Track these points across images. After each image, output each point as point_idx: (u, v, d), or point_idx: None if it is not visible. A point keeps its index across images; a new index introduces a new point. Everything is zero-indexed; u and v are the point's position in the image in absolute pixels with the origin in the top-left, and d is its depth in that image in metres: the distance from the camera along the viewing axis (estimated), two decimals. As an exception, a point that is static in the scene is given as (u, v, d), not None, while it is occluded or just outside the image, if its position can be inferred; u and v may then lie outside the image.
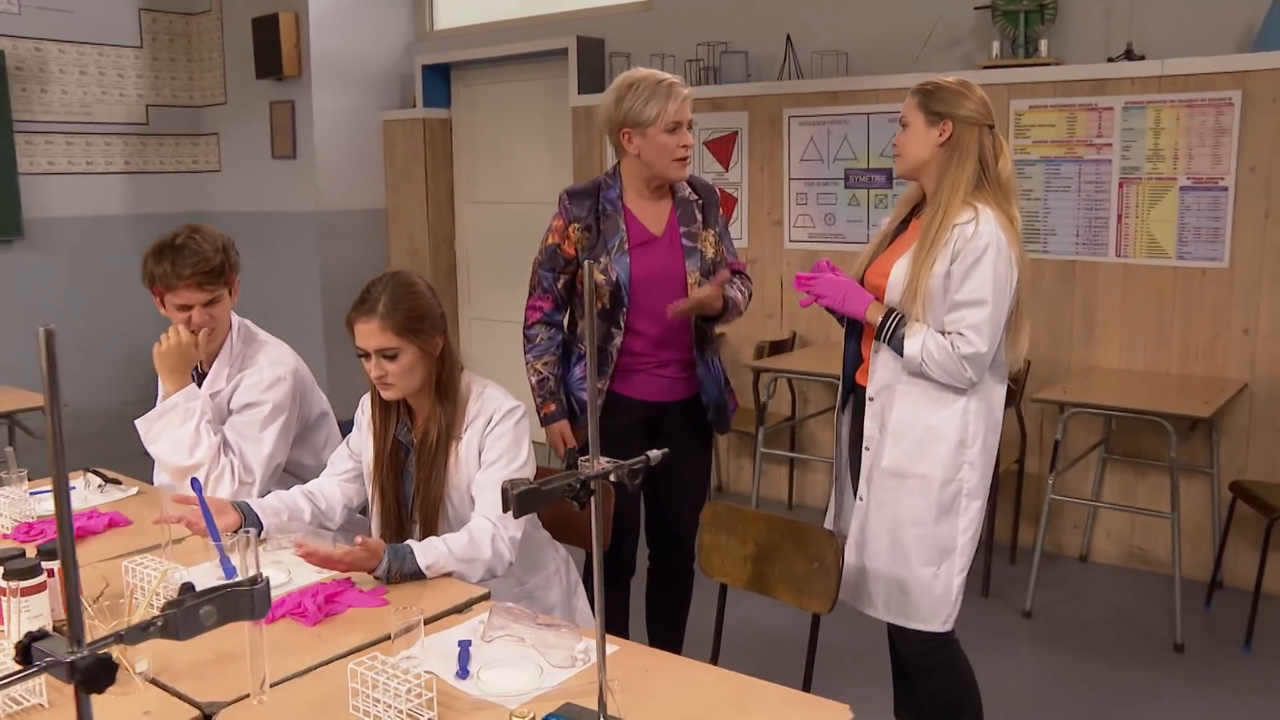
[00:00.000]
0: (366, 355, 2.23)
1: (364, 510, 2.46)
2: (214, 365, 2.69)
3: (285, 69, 6.29)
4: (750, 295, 3.00)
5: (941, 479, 2.44)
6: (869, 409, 2.53)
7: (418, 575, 2.04)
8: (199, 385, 2.68)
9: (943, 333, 2.37)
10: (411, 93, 6.72)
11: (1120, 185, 4.20)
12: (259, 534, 2.19)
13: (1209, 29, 4.13)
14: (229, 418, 2.65)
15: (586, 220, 2.76)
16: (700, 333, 2.90)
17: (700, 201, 2.90)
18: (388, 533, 2.31)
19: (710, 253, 2.89)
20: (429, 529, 2.26)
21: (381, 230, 6.85)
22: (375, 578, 2.04)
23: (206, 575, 2.09)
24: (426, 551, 2.06)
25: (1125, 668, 3.49)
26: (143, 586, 1.93)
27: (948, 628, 2.49)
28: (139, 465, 2.96)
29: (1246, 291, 4.00)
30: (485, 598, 2.02)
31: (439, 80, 6.71)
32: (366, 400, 2.43)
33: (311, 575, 2.07)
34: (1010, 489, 4.44)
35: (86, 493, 2.66)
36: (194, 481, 2.24)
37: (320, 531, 2.36)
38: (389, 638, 1.73)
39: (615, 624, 3.01)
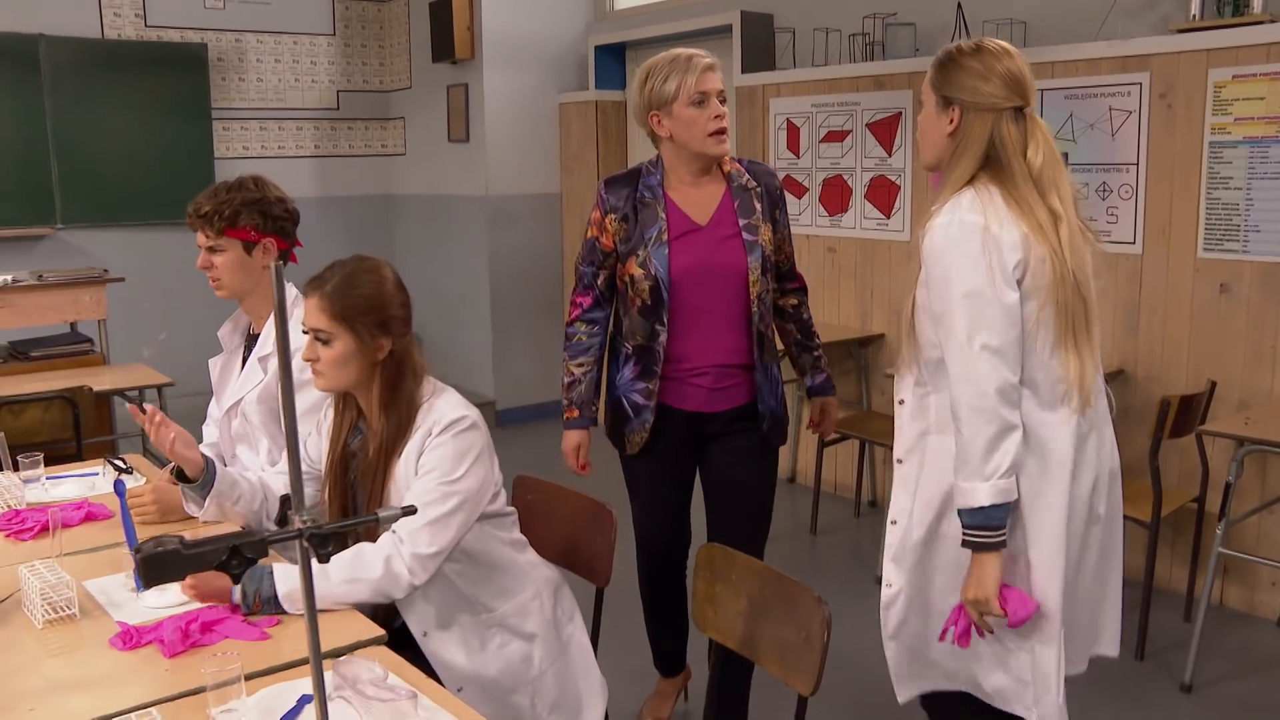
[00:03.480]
0: (308, 333, 2.05)
1: None
2: (263, 330, 2.58)
3: (458, 52, 6.28)
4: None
5: None
6: (897, 475, 2.09)
7: (279, 606, 1.83)
8: (248, 349, 2.58)
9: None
10: (586, 74, 6.57)
11: (1346, 172, 3.42)
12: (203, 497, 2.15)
13: None
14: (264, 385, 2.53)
15: (624, 210, 2.57)
16: (761, 338, 2.63)
17: (759, 189, 2.62)
18: (335, 548, 2.12)
19: (769, 249, 2.62)
20: None
21: (555, 214, 6.75)
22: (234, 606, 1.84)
23: (118, 586, 1.96)
24: (289, 575, 1.84)
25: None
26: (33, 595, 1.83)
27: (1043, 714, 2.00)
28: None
29: None
30: (380, 640, 1.78)
31: (614, 61, 6.52)
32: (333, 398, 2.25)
33: (221, 595, 1.91)
34: (1188, 532, 3.74)
35: (97, 480, 2.63)
36: (117, 484, 2.12)
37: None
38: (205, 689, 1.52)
39: (675, 665, 2.90)
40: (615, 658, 2.67)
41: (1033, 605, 1.94)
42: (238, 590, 1.82)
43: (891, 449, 2.16)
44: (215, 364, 2.66)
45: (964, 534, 1.93)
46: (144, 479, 2.63)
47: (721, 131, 2.50)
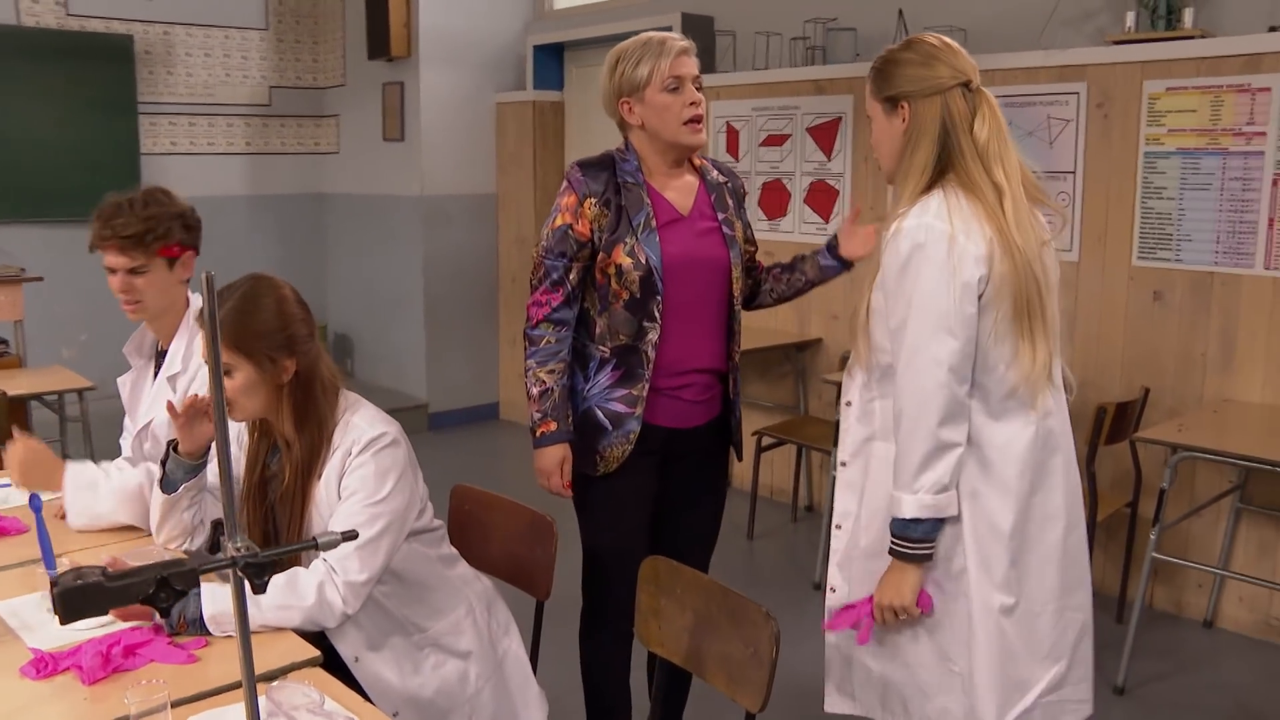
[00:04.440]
0: None
1: None
2: (171, 345, 2.45)
3: (394, 49, 6.16)
4: None
5: (935, 555, 1.94)
6: (840, 478, 2.06)
7: (205, 628, 1.75)
8: (158, 365, 2.47)
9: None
10: (524, 74, 6.49)
11: (1275, 183, 3.49)
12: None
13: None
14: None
15: (605, 195, 2.34)
16: (736, 339, 2.49)
17: (729, 184, 2.52)
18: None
19: (742, 246, 2.51)
20: None
21: (491, 216, 6.67)
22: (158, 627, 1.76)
23: (33, 608, 1.86)
24: (217, 596, 1.76)
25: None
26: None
27: None
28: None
29: None
30: (315, 662, 1.71)
31: (552, 61, 6.46)
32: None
33: (142, 617, 1.82)
34: (1120, 535, 3.80)
35: (9, 493, 2.49)
36: (33, 498, 2.01)
37: (161, 551, 2.08)
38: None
39: (610, 679, 2.65)
40: (555, 670, 2.61)
41: (927, 605, 1.95)
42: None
43: (829, 454, 2.14)
44: (124, 383, 2.55)
45: (891, 541, 1.92)
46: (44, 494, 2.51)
47: (697, 120, 2.33)
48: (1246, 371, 3.61)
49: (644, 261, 2.31)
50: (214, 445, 2.23)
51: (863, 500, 2.02)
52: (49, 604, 1.84)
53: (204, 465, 2.09)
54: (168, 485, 2.08)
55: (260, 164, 6.88)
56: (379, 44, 6.25)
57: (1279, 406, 3.54)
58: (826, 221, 4.89)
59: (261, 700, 1.45)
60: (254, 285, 1.97)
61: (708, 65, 5.51)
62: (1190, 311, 3.72)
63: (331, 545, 1.00)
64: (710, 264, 2.41)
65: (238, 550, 0.95)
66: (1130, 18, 3.79)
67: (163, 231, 2.33)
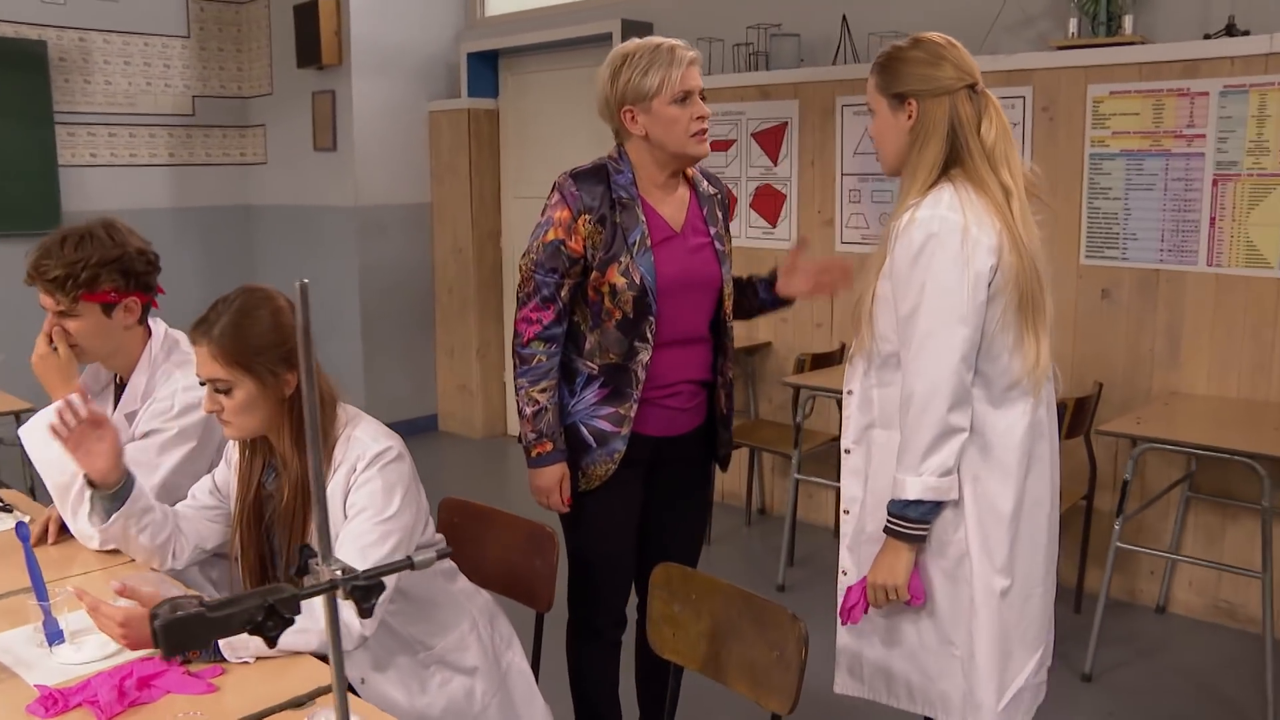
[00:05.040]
0: (205, 383, 1.88)
1: (223, 553, 2.12)
2: (131, 379, 2.34)
3: (325, 57, 6.03)
4: None
5: (936, 539, 1.98)
6: (845, 464, 2.09)
7: (219, 654, 1.68)
8: (116, 402, 2.37)
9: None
10: (458, 82, 6.42)
11: (1214, 183, 3.62)
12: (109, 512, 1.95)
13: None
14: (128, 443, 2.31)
15: (600, 211, 2.27)
16: (726, 351, 2.47)
17: (719, 196, 2.49)
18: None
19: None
20: None
21: (425, 225, 6.57)
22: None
23: (24, 642, 1.76)
24: None
25: (1199, 755, 2.96)
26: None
27: None
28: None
29: (1364, 309, 3.39)
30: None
31: (486, 69, 6.39)
32: None
33: (147, 646, 1.73)
34: (1076, 527, 3.89)
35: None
36: (19, 527, 1.91)
37: (160, 578, 1.99)
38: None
39: (602, 689, 2.62)
40: (558, 683, 2.58)
41: (920, 597, 1.99)
42: None
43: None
44: (29, 432, 2.35)
45: (887, 519, 1.95)
46: (27, 518, 2.38)
47: (704, 132, 2.29)
48: (1192, 365, 3.74)
49: (638, 282, 2.27)
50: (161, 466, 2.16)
51: (867, 486, 2.06)
52: (41, 637, 1.75)
53: (128, 491, 1.97)
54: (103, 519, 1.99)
55: (184, 175, 6.66)
56: (309, 52, 6.11)
57: (1223, 398, 3.67)
58: (773, 225, 4.92)
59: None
60: (248, 297, 1.90)
61: (647, 72, 5.51)
62: (1137, 308, 3.84)
63: (427, 564, 0.97)
64: (703, 281, 2.39)
65: (337, 573, 0.90)
66: (1073, 24, 3.90)
67: (86, 278, 2.16)
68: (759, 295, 2.54)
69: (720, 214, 2.47)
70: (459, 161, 6.38)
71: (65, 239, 2.19)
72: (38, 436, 2.20)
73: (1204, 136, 3.62)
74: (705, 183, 2.47)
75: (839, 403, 4.60)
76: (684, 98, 2.25)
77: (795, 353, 4.66)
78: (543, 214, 2.35)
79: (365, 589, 0.89)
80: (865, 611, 2.05)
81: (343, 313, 6.36)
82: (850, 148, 4.62)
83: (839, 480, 2.14)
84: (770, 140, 4.91)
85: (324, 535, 0.91)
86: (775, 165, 4.91)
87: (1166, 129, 3.69)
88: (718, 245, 2.42)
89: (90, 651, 1.71)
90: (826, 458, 4.69)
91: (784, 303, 2.53)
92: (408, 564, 0.96)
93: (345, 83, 6.13)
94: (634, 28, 5.47)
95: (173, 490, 2.20)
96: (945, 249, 1.85)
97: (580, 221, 2.27)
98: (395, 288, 6.40)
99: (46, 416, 2.20)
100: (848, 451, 2.09)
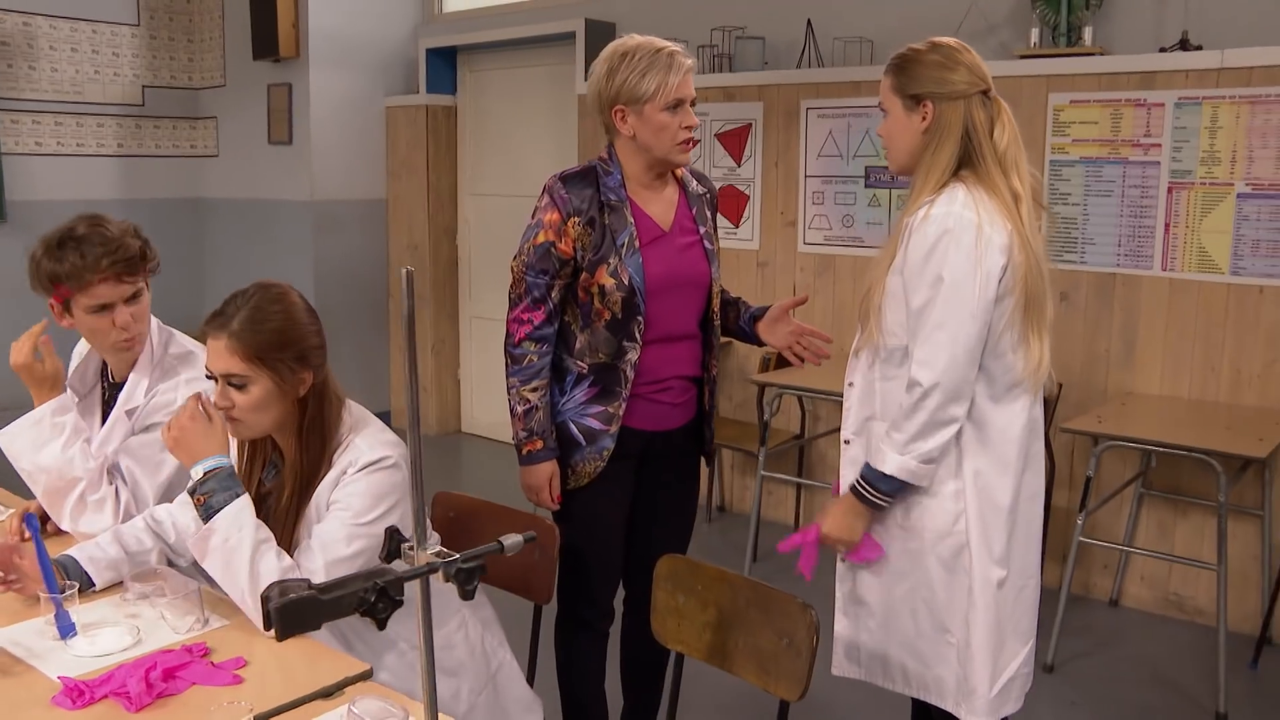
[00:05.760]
0: (214, 378, 1.86)
1: None
2: (131, 375, 2.29)
3: (282, 49, 5.96)
4: None
5: (934, 530, 2.05)
6: (845, 455, 2.15)
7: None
8: (114, 397, 2.32)
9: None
10: (416, 78, 6.38)
11: (1169, 190, 3.76)
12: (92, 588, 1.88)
13: (1277, 16, 3.67)
14: (128, 439, 2.28)
15: (589, 213, 2.31)
16: (714, 348, 2.52)
17: (707, 195, 2.53)
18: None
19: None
20: None
21: (381, 222, 6.53)
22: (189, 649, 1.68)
23: (34, 635, 1.74)
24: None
25: (1159, 740, 3.07)
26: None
27: (991, 708, 2.08)
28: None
29: (1310, 313, 3.55)
30: (366, 676, 1.66)
31: (445, 65, 6.37)
32: None
33: (164, 638, 1.73)
34: (1036, 524, 4.00)
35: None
36: (28, 518, 1.89)
37: (169, 572, 1.96)
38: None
39: (590, 680, 2.64)
40: (549, 674, 2.60)
41: (880, 551, 2.09)
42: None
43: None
44: None
45: (858, 480, 2.04)
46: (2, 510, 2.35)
47: (691, 141, 2.33)
48: (1146, 366, 3.88)
49: (627, 283, 2.31)
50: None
51: None
52: (54, 630, 1.73)
53: (87, 584, 1.91)
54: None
55: (133, 167, 6.53)
56: (266, 44, 6.03)
57: (1176, 397, 3.81)
58: (736, 226, 4.98)
59: (342, 717, 1.41)
60: (264, 292, 1.90)
61: (609, 71, 5.53)
62: (1095, 311, 3.97)
63: (516, 548, 0.99)
64: (692, 280, 2.43)
65: (436, 555, 0.92)
66: (1034, 34, 4.02)
67: (152, 250, 2.23)
68: (739, 320, 2.58)
69: (709, 213, 2.52)
70: (416, 158, 6.35)
71: (98, 225, 2.15)
72: (21, 444, 2.16)
73: (1160, 146, 3.75)
74: (694, 182, 2.51)
75: (800, 400, 4.71)
76: (676, 105, 2.28)
77: (755, 351, 4.72)
78: (533, 216, 2.39)
79: (468, 571, 0.91)
80: (815, 564, 2.12)
81: (297, 308, 6.28)
82: (814, 150, 4.70)
83: (800, 477, 2.22)
84: (734, 141, 4.97)
85: (419, 521, 0.93)
86: (739, 166, 4.97)
87: (1124, 138, 3.82)
88: (706, 244, 2.46)
89: (107, 643, 1.70)
90: (788, 455, 4.77)
91: (757, 340, 2.56)
92: (498, 547, 0.98)
93: (303, 76, 6.06)
94: (598, 28, 5.51)
95: (176, 488, 2.18)
96: (959, 245, 1.91)
97: (570, 224, 2.31)
98: (350, 284, 6.34)
99: (30, 421, 2.17)
100: (847, 442, 2.15)
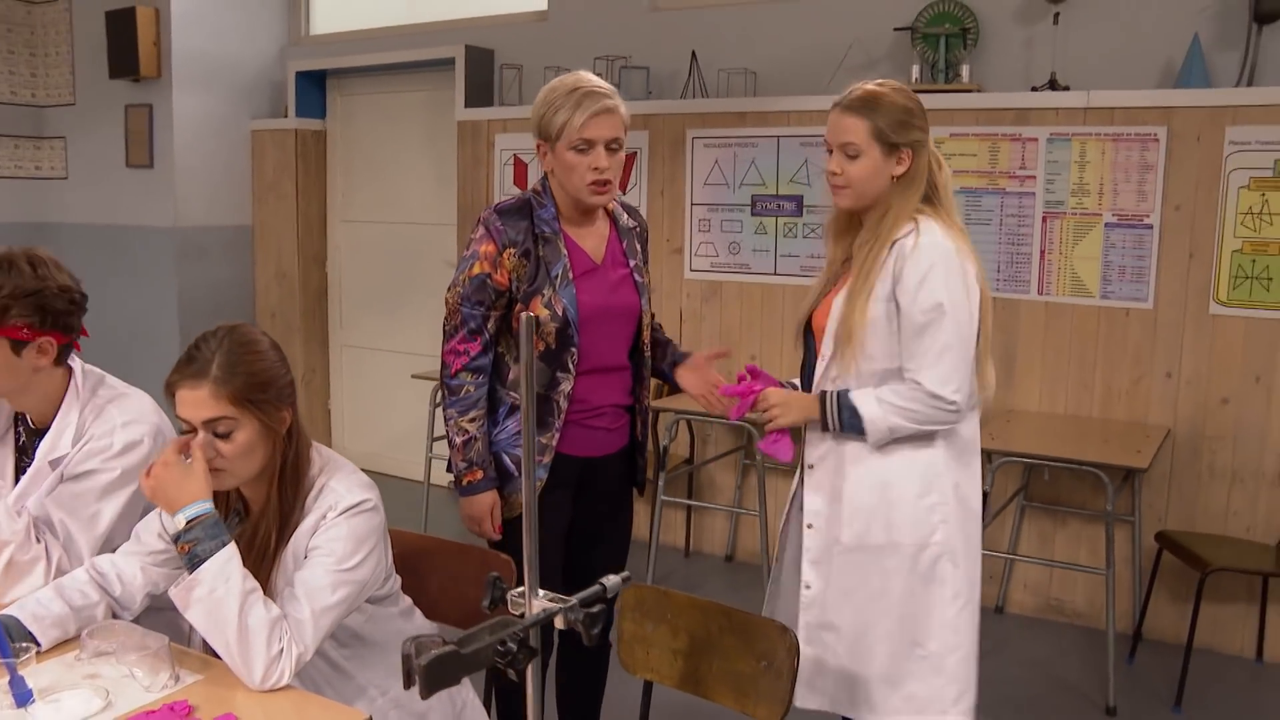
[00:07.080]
0: (193, 430, 1.78)
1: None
2: (55, 421, 2.11)
3: (143, 69, 5.69)
4: None
5: (914, 543, 2.14)
6: (809, 480, 2.22)
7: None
8: (30, 444, 2.16)
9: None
10: (283, 101, 6.20)
11: (1044, 219, 4.02)
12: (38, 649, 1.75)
13: (1134, 62, 3.98)
14: (57, 488, 2.11)
15: (524, 245, 2.33)
16: (644, 379, 2.55)
17: (637, 230, 2.56)
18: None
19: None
20: None
21: (247, 248, 6.30)
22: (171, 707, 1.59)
23: (-8, 701, 1.62)
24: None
25: (1061, 738, 3.25)
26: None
27: (963, 713, 2.18)
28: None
29: (1170, 333, 3.85)
30: (361, 724, 1.61)
31: (314, 89, 6.21)
32: None
33: (137, 699, 1.63)
34: (928, 538, 4.19)
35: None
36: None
37: (128, 626, 1.86)
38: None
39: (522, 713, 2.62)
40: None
41: (787, 457, 2.26)
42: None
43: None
44: None
45: (833, 396, 2.15)
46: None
47: (602, 183, 2.30)
48: (1025, 385, 4.12)
49: (560, 314, 2.34)
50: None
51: (842, 498, 2.18)
52: (9, 699, 1.61)
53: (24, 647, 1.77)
54: None
55: (-31, 189, 6.11)
56: (125, 63, 5.74)
57: (1053, 414, 4.06)
58: (625, 253, 5.03)
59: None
60: (243, 331, 1.83)
61: (487, 98, 5.52)
62: (976, 332, 4.18)
63: (616, 589, 0.99)
64: (623, 312, 2.47)
65: (553, 600, 0.92)
66: (915, 69, 4.23)
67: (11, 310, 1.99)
68: (662, 362, 2.62)
69: (639, 246, 2.56)
70: (284, 183, 6.16)
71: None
72: None
73: (1035, 178, 4.01)
74: (625, 215, 2.56)
75: (689, 425, 4.78)
76: (585, 146, 2.27)
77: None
78: (467, 248, 2.40)
79: (593, 616, 0.91)
80: (743, 413, 2.30)
81: (159, 339, 5.99)
82: (700, 178, 4.80)
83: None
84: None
85: (533, 565, 0.92)
86: (624, 194, 5.03)
87: (1001, 169, 4.06)
88: (637, 277, 2.50)
89: (74, 709, 1.59)
90: (679, 481, 4.84)
91: (674, 383, 2.62)
92: (601, 591, 0.98)
93: (165, 97, 5.80)
94: (477, 54, 5.49)
95: (114, 540, 2.05)
96: (953, 272, 2.04)
97: (505, 255, 2.33)
98: (215, 312, 6.08)
99: None
100: (810, 467, 2.21)
